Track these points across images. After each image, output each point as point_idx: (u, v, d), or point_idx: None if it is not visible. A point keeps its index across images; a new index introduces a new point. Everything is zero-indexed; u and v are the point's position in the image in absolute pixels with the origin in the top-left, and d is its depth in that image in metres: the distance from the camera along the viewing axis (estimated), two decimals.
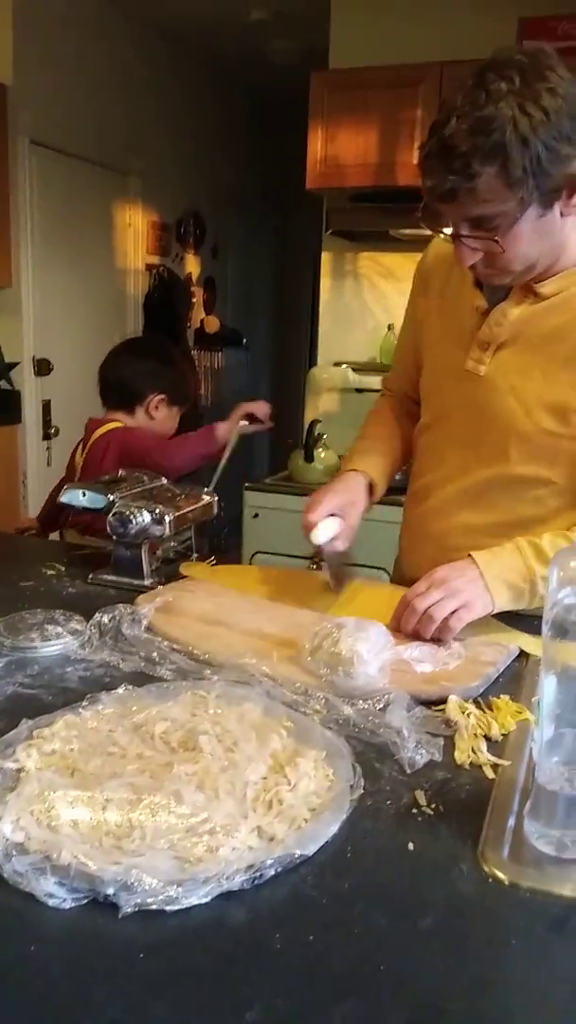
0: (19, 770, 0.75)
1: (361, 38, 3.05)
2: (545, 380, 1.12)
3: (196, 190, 4.52)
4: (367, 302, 3.33)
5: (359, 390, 3.20)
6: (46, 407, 3.68)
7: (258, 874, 0.62)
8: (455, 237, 1.04)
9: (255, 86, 4.72)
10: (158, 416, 1.96)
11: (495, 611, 1.08)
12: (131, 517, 1.28)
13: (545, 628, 0.68)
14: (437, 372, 1.28)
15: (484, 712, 0.90)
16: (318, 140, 2.89)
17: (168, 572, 1.36)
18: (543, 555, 1.08)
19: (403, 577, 1.38)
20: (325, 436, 2.99)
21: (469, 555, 1.09)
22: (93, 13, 3.66)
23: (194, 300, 4.63)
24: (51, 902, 0.59)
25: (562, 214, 1.02)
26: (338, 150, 2.86)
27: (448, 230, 1.06)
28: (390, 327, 3.14)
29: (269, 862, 0.63)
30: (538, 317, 1.13)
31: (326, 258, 3.36)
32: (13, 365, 3.58)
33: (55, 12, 3.44)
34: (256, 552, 2.90)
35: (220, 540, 3.18)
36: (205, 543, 2.13)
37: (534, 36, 2.61)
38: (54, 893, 0.60)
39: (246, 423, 1.64)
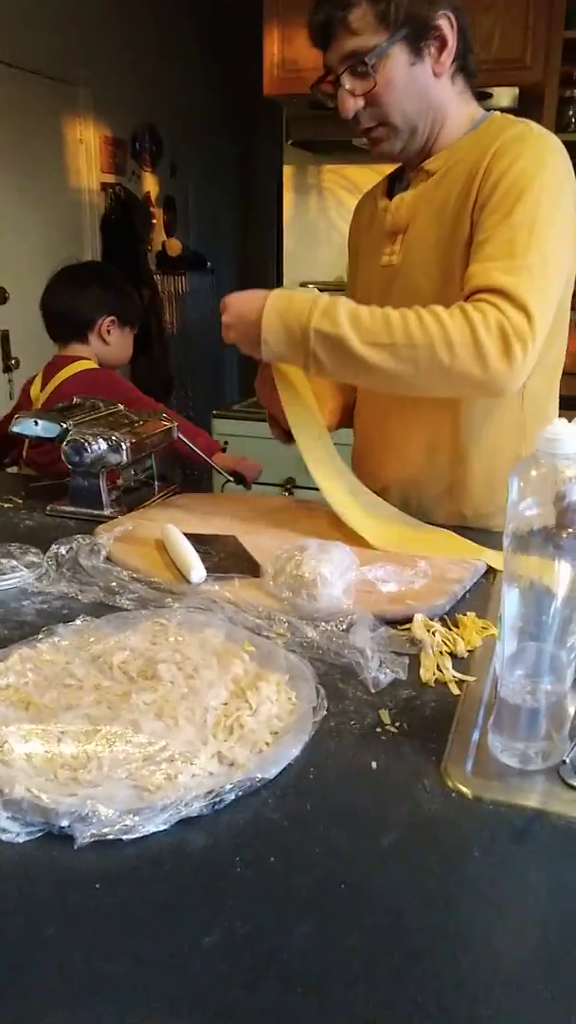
0: None
1: None
2: (439, 249, 1.15)
3: (151, 104, 4.29)
4: (332, 219, 3.21)
5: None
6: (4, 337, 3.56)
7: (218, 799, 0.61)
8: (337, 84, 1.11)
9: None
10: (111, 339, 1.89)
11: (266, 351, 1.07)
12: (86, 445, 1.23)
13: (506, 541, 0.66)
14: (363, 280, 1.31)
15: (450, 630, 0.89)
16: (274, 43, 2.73)
17: (129, 501, 1.33)
18: (332, 312, 1.03)
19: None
20: None
21: (275, 290, 1.09)
22: None
23: (154, 221, 4.45)
24: (3, 836, 0.58)
25: (435, 73, 1.12)
26: (295, 53, 2.70)
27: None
28: None
29: (229, 787, 0.62)
30: (429, 192, 1.17)
31: (288, 172, 3.22)
32: None
33: None
34: (226, 481, 2.86)
35: (193, 471, 3.13)
36: (178, 475, 2.08)
37: None
38: (7, 828, 0.59)
39: (232, 479, 1.59)
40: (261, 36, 2.76)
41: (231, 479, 1.59)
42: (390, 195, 1.25)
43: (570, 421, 0.68)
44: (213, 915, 0.51)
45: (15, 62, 3.38)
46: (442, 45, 1.10)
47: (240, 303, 1.09)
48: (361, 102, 1.11)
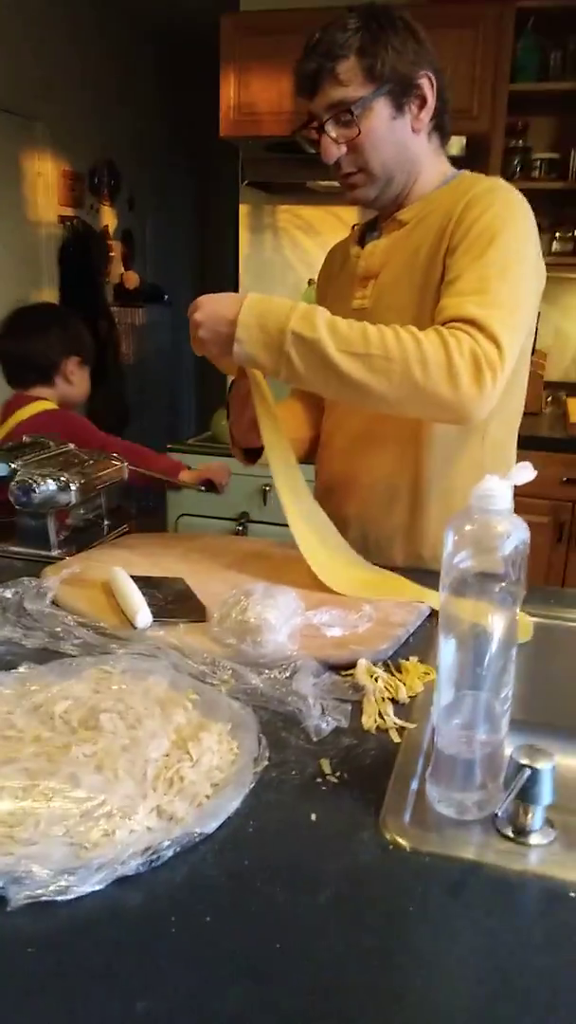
0: None
1: None
2: (411, 295, 1.20)
3: (109, 138, 4.33)
4: (287, 257, 3.27)
5: None
6: None
7: (155, 856, 0.61)
8: (320, 130, 1.17)
9: (167, 29, 4.51)
10: (75, 380, 1.89)
11: (238, 351, 1.06)
12: (34, 485, 1.23)
13: (442, 592, 0.67)
14: None
15: (392, 675, 0.90)
16: (230, 87, 2.79)
17: (79, 541, 1.32)
18: (311, 317, 1.04)
19: None
20: None
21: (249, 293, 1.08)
22: None
23: (112, 254, 4.47)
24: None
25: (414, 129, 1.18)
26: (252, 97, 2.77)
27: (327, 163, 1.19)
28: (310, 282, 3.09)
29: (167, 843, 0.62)
30: (402, 241, 1.23)
31: (244, 211, 3.28)
32: None
33: None
34: (181, 515, 2.86)
35: (147, 503, 3.12)
36: (132, 505, 2.07)
37: None
38: None
39: (203, 488, 1.59)
40: (218, 77, 2.82)
41: (203, 489, 1.59)
42: (362, 243, 1.30)
43: (516, 465, 0.70)
44: (147, 979, 0.51)
45: None
46: (422, 103, 1.17)
47: (214, 302, 1.07)
48: (343, 149, 1.17)
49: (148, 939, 0.54)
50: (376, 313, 1.23)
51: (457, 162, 1.27)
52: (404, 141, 1.18)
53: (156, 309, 4.81)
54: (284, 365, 1.05)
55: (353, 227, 1.39)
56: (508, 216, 1.12)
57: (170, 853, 0.61)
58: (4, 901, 0.56)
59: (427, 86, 1.16)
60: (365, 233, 1.33)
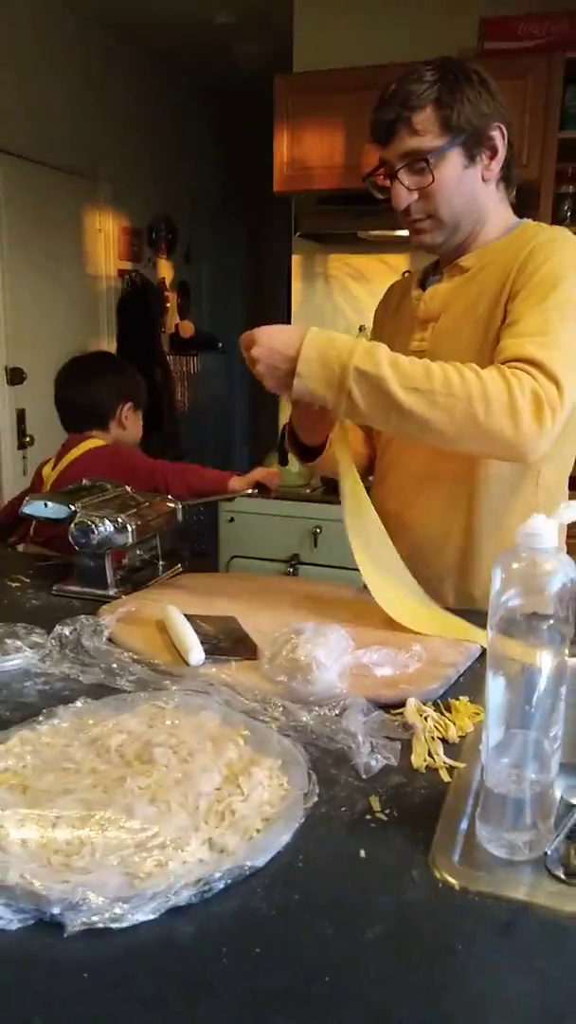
0: None
1: (325, 40, 3.06)
2: (470, 338, 1.22)
3: (167, 195, 4.51)
4: (338, 303, 3.33)
5: None
6: (20, 416, 3.66)
7: (207, 888, 0.62)
8: (393, 178, 1.20)
9: (222, 89, 4.71)
10: (129, 424, 1.96)
11: (298, 385, 1.06)
12: (93, 527, 1.27)
13: (490, 630, 0.68)
14: None
15: (442, 715, 0.90)
16: (283, 143, 2.89)
17: (134, 581, 1.35)
18: (374, 353, 1.05)
19: None
20: None
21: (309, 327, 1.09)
22: (58, 19, 3.64)
23: (168, 305, 4.61)
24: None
25: (484, 179, 1.21)
26: (304, 153, 2.86)
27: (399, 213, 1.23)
28: (361, 328, 3.14)
29: (218, 875, 0.63)
30: (463, 288, 1.25)
31: (296, 260, 3.36)
32: None
33: (20, 18, 3.43)
34: (232, 556, 2.90)
35: (200, 545, 3.17)
36: (186, 547, 2.11)
37: (495, 35, 2.62)
38: (0, 914, 0.59)
39: (255, 491, 1.64)
40: (268, 128, 2.93)
41: (255, 492, 1.63)
42: (423, 286, 1.33)
43: (563, 503, 0.70)
44: (197, 1008, 0.52)
45: (40, 158, 3.58)
46: (493, 153, 1.19)
47: (272, 337, 1.07)
48: (415, 196, 1.20)
49: (199, 969, 0.55)
50: (434, 356, 1.22)
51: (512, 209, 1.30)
52: (474, 190, 1.20)
53: (210, 357, 4.93)
54: (345, 400, 1.06)
55: (404, 273, 1.42)
56: (570, 263, 1.14)
57: (221, 885, 0.62)
58: (61, 927, 0.58)
59: (499, 137, 1.18)
60: (426, 276, 1.35)
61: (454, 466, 1.24)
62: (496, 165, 1.20)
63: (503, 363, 1.07)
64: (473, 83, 1.17)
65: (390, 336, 1.35)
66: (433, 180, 1.17)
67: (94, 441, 1.88)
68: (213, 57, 4.19)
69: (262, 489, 1.62)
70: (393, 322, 1.38)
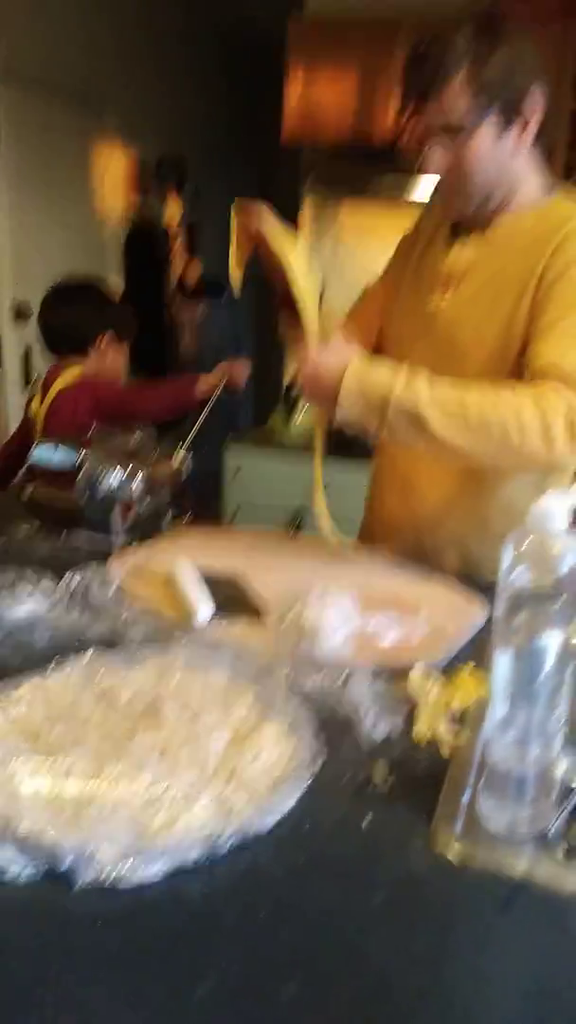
0: None
1: None
2: (491, 308, 1.20)
3: (177, 135, 4.38)
4: (347, 257, 3.27)
5: None
6: (26, 354, 3.61)
7: (215, 846, 0.63)
8: (424, 146, 1.16)
9: (235, 35, 4.54)
10: (109, 356, 1.95)
11: (340, 414, 1.13)
12: (101, 476, 1.26)
13: (498, 608, 0.68)
14: (403, 317, 1.35)
15: (447, 683, 0.91)
16: (295, 90, 2.80)
17: (143, 531, 1.35)
18: (413, 382, 1.10)
19: (372, 528, 1.43)
20: None
21: (359, 353, 1.15)
22: None
23: (176, 244, 4.52)
24: (8, 873, 0.60)
25: (516, 147, 1.16)
26: (315, 102, 2.78)
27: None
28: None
29: (226, 835, 0.64)
30: (490, 253, 1.22)
31: (306, 212, 3.29)
32: None
33: None
34: (238, 507, 2.90)
35: (205, 493, 3.16)
36: (191, 496, 2.13)
37: None
38: (12, 863, 0.61)
39: (226, 392, 1.64)
40: (283, 77, 2.83)
41: (223, 391, 1.64)
42: (453, 236, 1.28)
43: None
44: (206, 965, 0.54)
45: (48, 85, 3.45)
46: (526, 121, 1.14)
47: (318, 365, 1.14)
48: (445, 164, 1.16)
49: (207, 927, 0.57)
50: (454, 319, 1.24)
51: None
52: (506, 160, 1.16)
53: (215, 305, 4.85)
54: (386, 429, 1.12)
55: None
56: None
57: (228, 845, 0.64)
58: (72, 879, 0.59)
59: (536, 101, 1.13)
60: (455, 229, 1.29)
61: None
62: (529, 133, 1.15)
63: (540, 372, 1.10)
64: (512, 43, 1.10)
65: (409, 288, 1.33)
66: (465, 151, 1.13)
67: (72, 371, 1.88)
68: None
69: (231, 385, 1.63)
70: (416, 268, 1.33)
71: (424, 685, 0.90)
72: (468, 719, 0.86)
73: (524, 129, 1.15)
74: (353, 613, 1.01)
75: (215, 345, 4.91)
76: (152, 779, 0.70)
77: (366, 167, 2.82)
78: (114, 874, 0.60)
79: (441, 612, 1.08)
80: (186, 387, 1.71)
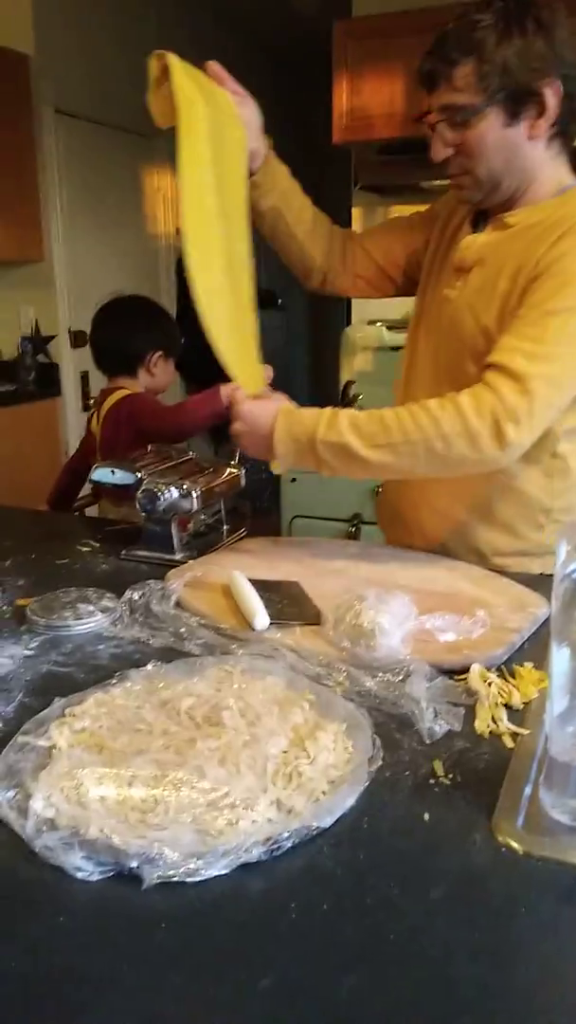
0: (51, 747, 0.79)
1: None
2: (491, 299, 1.20)
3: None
4: None
5: (394, 348, 3.16)
6: (84, 378, 3.72)
7: (276, 846, 0.64)
8: (431, 127, 1.16)
9: (280, 37, 4.60)
10: (158, 372, 2.00)
11: (280, 463, 1.20)
12: (159, 494, 1.30)
13: (555, 601, 0.68)
14: (422, 299, 1.37)
15: (506, 680, 0.91)
16: (343, 92, 2.82)
17: (199, 545, 1.38)
18: (335, 424, 1.14)
19: (386, 512, 1.47)
20: (360, 396, 2.97)
21: (282, 406, 1.21)
22: None
23: None
24: (79, 875, 0.62)
25: (530, 137, 1.14)
26: (364, 102, 2.79)
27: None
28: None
29: (286, 834, 0.66)
30: (501, 243, 1.21)
31: (357, 213, 3.30)
32: (50, 338, 3.63)
33: None
34: (295, 516, 2.92)
35: (261, 504, 3.20)
36: (248, 506, 2.16)
37: None
38: (82, 867, 0.63)
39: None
40: (327, 77, 2.86)
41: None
42: (475, 224, 1.28)
43: None
44: (269, 960, 0.55)
45: (98, 117, 3.57)
46: (541, 111, 1.12)
47: (251, 418, 1.20)
48: (452, 150, 1.16)
49: (270, 923, 0.58)
50: (461, 307, 1.24)
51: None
52: (516, 149, 1.14)
53: (269, 313, 4.90)
54: (323, 467, 1.17)
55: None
56: None
57: (289, 844, 0.65)
58: (138, 879, 0.61)
59: (550, 94, 1.10)
60: (478, 218, 1.29)
61: None
62: (545, 123, 1.12)
63: (490, 364, 1.11)
64: (527, 32, 1.08)
65: (431, 269, 1.34)
66: (471, 137, 1.13)
67: (120, 392, 1.94)
68: (269, 6, 4.08)
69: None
70: (443, 251, 1.33)
71: (483, 682, 0.89)
72: (528, 714, 0.85)
73: (537, 120, 1.12)
74: (410, 613, 1.01)
75: (270, 351, 4.95)
76: (213, 784, 0.71)
77: (417, 166, 2.81)
78: (179, 874, 0.62)
79: (501, 610, 1.07)
80: (211, 395, 1.73)
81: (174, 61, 1.10)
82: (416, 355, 1.36)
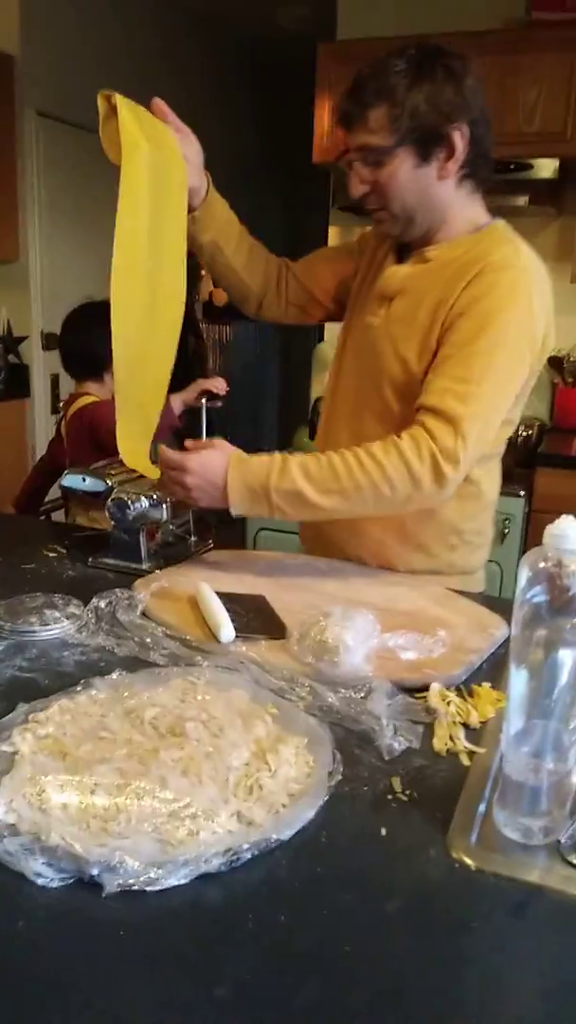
0: (14, 753, 0.79)
1: (369, 6, 3.01)
2: (412, 325, 1.26)
3: (206, 159, 4.48)
4: None
5: None
6: (54, 381, 3.70)
7: (235, 857, 0.66)
8: (348, 166, 1.22)
9: (263, 55, 4.65)
10: None
11: (232, 510, 1.22)
12: (129, 502, 1.30)
13: (514, 625, 0.70)
14: (348, 326, 1.42)
15: (465, 700, 0.93)
16: (324, 113, 2.86)
17: (166, 555, 1.39)
18: (286, 471, 1.18)
19: (308, 531, 1.52)
20: None
21: (232, 456, 1.22)
22: None
23: (203, 272, 4.60)
24: (39, 881, 0.63)
25: (440, 177, 1.21)
26: None
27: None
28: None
29: (246, 846, 0.67)
30: (421, 276, 1.27)
31: (333, 233, 3.35)
32: (22, 339, 3.61)
33: None
34: (260, 529, 2.93)
35: (227, 515, 3.20)
36: (214, 517, 2.17)
37: (543, 5, 2.56)
38: (42, 873, 0.64)
39: (205, 400, 1.68)
40: (309, 96, 2.90)
41: (206, 402, 1.66)
42: (398, 255, 1.34)
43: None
44: (225, 967, 0.56)
45: (80, 122, 3.57)
46: (450, 153, 1.19)
47: (202, 470, 1.21)
48: (367, 187, 1.22)
49: (227, 932, 0.59)
50: (382, 334, 1.30)
51: (551, 184, 1.30)
52: (427, 188, 1.21)
53: (243, 325, 4.93)
54: (277, 512, 1.20)
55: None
56: (509, 301, 1.17)
57: (248, 855, 0.66)
58: (99, 887, 0.62)
59: (458, 138, 1.17)
60: (402, 248, 1.34)
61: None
62: (454, 165, 1.20)
63: (423, 406, 1.18)
64: (437, 78, 1.15)
65: (358, 295, 1.39)
66: (384, 176, 1.19)
67: (86, 399, 1.95)
68: (253, 20, 4.13)
69: (211, 397, 1.66)
70: (369, 279, 1.37)
71: (442, 701, 0.91)
72: (485, 733, 0.87)
73: (446, 162, 1.19)
74: (374, 631, 1.03)
75: (242, 365, 4.98)
76: (175, 794, 0.72)
77: None
78: (139, 883, 0.63)
79: (460, 631, 1.09)
80: (165, 408, 1.76)
81: (120, 101, 1.15)
82: (340, 378, 1.42)
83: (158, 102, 1.25)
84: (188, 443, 1.28)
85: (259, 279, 1.50)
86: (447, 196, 1.23)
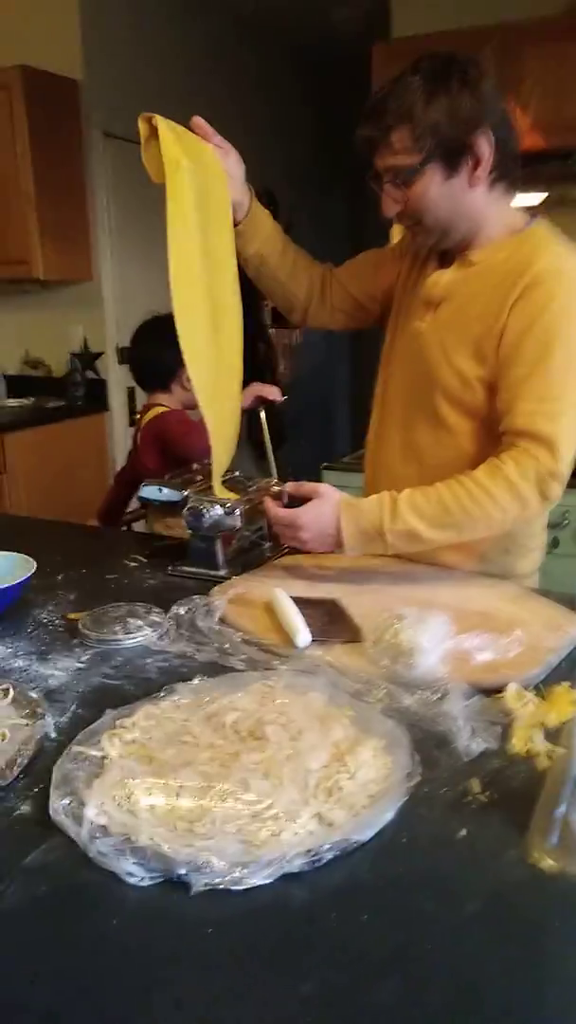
0: (103, 758, 0.83)
1: (422, 3, 2.99)
2: (463, 333, 1.26)
3: (268, 170, 4.52)
4: None
5: None
6: (130, 394, 3.80)
7: (317, 858, 0.67)
8: (379, 187, 1.23)
9: (319, 57, 4.66)
10: (191, 387, 2.05)
11: (347, 552, 1.25)
12: (204, 511, 1.34)
13: None
14: (394, 332, 1.43)
15: (542, 700, 0.92)
16: None
17: (243, 561, 1.42)
18: (398, 512, 1.21)
19: None
20: None
21: (341, 503, 1.25)
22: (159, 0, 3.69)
23: None
24: (131, 880, 0.66)
25: (471, 186, 1.21)
26: None
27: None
28: None
29: (327, 846, 0.68)
30: (464, 282, 1.28)
31: (396, 231, 3.33)
32: (98, 355, 3.72)
33: (121, 2, 3.50)
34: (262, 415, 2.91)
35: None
36: None
37: None
38: (133, 872, 0.67)
39: (258, 407, 1.69)
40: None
41: (261, 409, 1.67)
42: (441, 260, 1.34)
43: None
44: (310, 966, 0.58)
45: (135, 137, 3.66)
46: (477, 161, 1.18)
47: (315, 523, 1.24)
48: (400, 206, 1.23)
49: (311, 930, 0.61)
50: (431, 341, 1.31)
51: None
52: (460, 198, 1.21)
53: (312, 330, 4.95)
54: (391, 549, 1.24)
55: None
56: (573, 310, 1.18)
57: (329, 856, 0.68)
58: (186, 886, 0.65)
59: (483, 144, 1.16)
60: (444, 254, 1.34)
61: (431, 448, 1.33)
62: (483, 171, 1.19)
63: (515, 431, 1.20)
64: (453, 91, 1.14)
65: (401, 302, 1.40)
66: (415, 193, 1.20)
67: (157, 409, 2.00)
68: (312, 27, 4.15)
69: (266, 403, 1.67)
70: (412, 283, 1.38)
71: (519, 702, 0.91)
72: (563, 734, 0.87)
73: (475, 170, 1.19)
74: (448, 632, 1.03)
75: (312, 368, 5.01)
76: (257, 796, 0.75)
77: None
78: (225, 882, 0.65)
79: (537, 630, 1.08)
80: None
81: (160, 122, 1.18)
82: (389, 382, 1.43)
83: (198, 120, 1.28)
84: (290, 487, 1.33)
85: (304, 288, 1.51)
86: (480, 202, 1.23)
